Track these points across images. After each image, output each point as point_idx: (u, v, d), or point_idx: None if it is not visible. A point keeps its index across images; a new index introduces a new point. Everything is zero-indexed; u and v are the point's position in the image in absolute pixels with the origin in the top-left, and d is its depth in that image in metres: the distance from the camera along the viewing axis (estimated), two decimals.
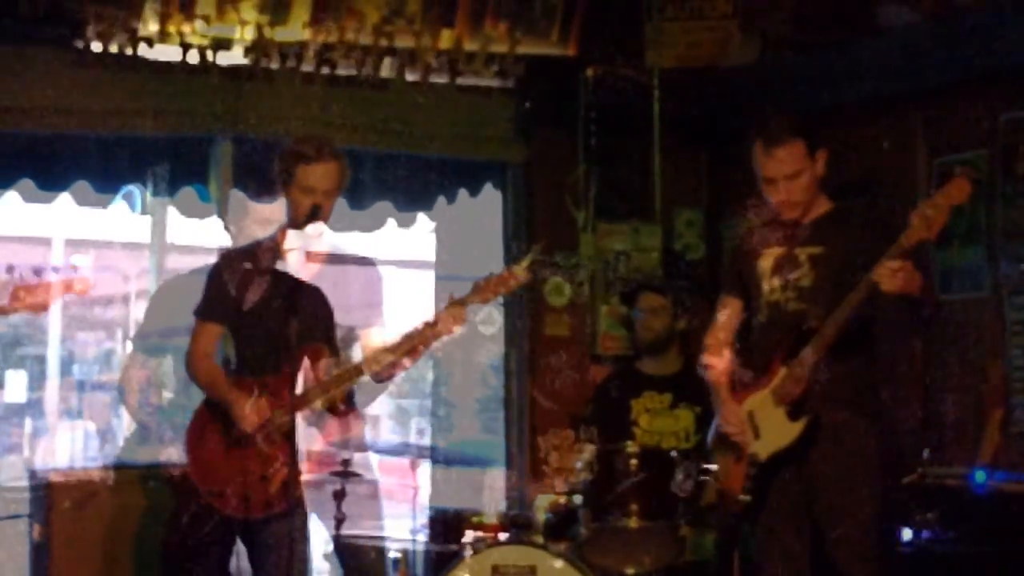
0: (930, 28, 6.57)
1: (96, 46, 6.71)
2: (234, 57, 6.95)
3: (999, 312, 6.29)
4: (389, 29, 7.17)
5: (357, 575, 5.84)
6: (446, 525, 6.13)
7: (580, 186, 7.72)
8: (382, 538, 5.44)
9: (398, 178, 7.52)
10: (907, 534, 5.95)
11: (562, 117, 7.66)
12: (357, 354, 5.59)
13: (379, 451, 6.06)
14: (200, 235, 6.36)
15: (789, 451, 5.20)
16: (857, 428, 5.19)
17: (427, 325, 5.30)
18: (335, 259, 5.62)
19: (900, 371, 6.40)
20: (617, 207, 7.81)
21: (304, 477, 5.41)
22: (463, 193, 7.80)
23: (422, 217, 7.80)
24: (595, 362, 7.70)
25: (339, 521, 5.36)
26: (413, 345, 5.32)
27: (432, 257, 7.90)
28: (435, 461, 6.55)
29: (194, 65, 6.95)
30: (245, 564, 5.32)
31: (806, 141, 5.25)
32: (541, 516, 5.96)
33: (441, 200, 7.75)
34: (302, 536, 5.24)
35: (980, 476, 5.75)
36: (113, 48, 6.74)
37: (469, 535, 5.50)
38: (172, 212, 7.27)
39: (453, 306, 5.32)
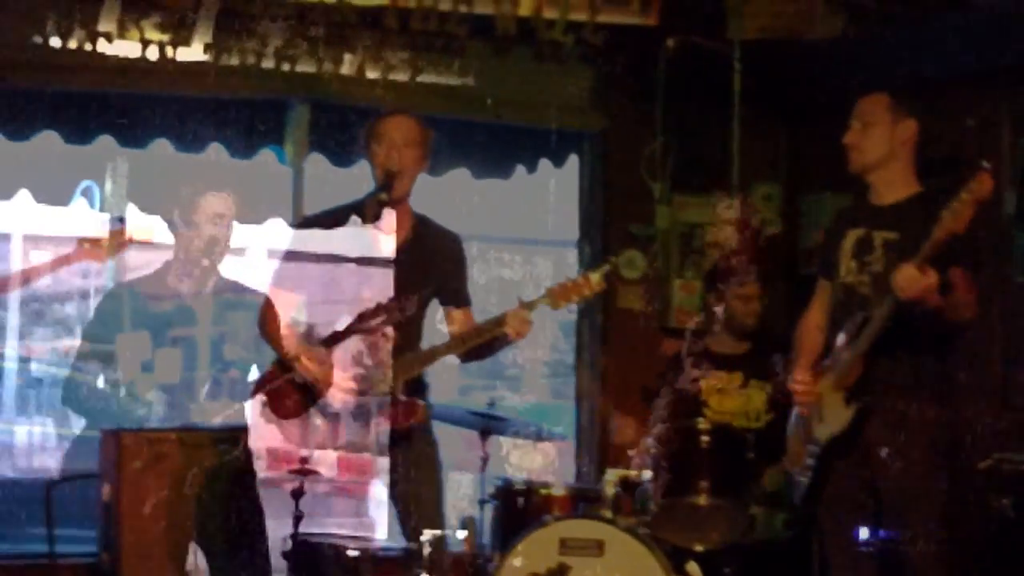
0: (1017, 3, 6.45)
1: (55, 41, 6.67)
2: (193, 53, 6.88)
3: None
4: None
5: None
6: (514, 496, 6.15)
7: (657, 157, 7.66)
8: (342, 537, 5.36)
9: (474, 145, 7.51)
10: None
11: (641, 87, 7.60)
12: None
13: (444, 419, 6.01)
14: (159, 231, 6.38)
15: (843, 436, 5.16)
16: (925, 416, 5.12)
17: (494, 323, 5.25)
18: (423, 224, 5.54)
19: (977, 354, 6.30)
20: (694, 179, 7.75)
21: (261, 475, 5.40)
22: (545, 163, 7.79)
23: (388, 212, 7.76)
24: (667, 335, 7.63)
25: (297, 519, 5.32)
26: (475, 342, 5.29)
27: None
28: (503, 432, 6.50)
29: (274, 28, 6.95)
30: (202, 563, 5.33)
31: (894, 101, 5.25)
32: (610, 490, 5.93)
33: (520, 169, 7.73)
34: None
35: None
36: (72, 44, 6.69)
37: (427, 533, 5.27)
38: (130, 209, 7.24)
39: (521, 309, 5.26)
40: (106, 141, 7.02)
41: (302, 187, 7.23)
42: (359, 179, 6.12)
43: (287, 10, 6.93)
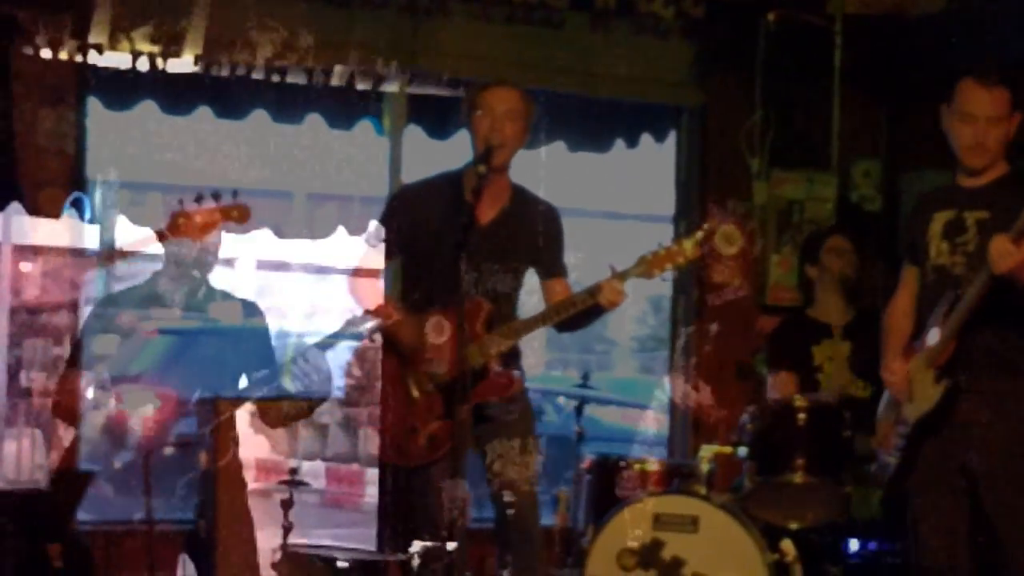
0: None
1: (46, 53, 6.63)
2: (184, 64, 6.85)
3: None
4: None
5: None
6: (608, 470, 6.14)
7: (756, 133, 7.60)
8: (331, 547, 5.36)
9: (572, 118, 7.49)
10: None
11: (741, 62, 7.55)
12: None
13: (542, 392, 6.01)
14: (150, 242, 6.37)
15: (933, 415, 5.09)
16: (1021, 394, 5.06)
17: (588, 293, 5.22)
18: (520, 195, 5.52)
19: None
20: (792, 155, 7.68)
21: (252, 486, 5.39)
22: (646, 138, 7.75)
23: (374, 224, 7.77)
24: (763, 312, 7.59)
25: (286, 530, 5.32)
26: (569, 312, 5.26)
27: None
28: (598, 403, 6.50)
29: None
30: (191, 572, 5.38)
31: (1012, 95, 5.13)
32: (704, 466, 5.91)
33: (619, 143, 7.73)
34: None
35: None
36: (63, 55, 6.65)
37: (416, 544, 5.12)
38: (120, 219, 7.23)
39: (615, 279, 5.21)
40: (204, 113, 7.07)
41: (400, 158, 7.25)
42: (456, 151, 6.11)
43: None
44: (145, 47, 6.75)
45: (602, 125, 7.66)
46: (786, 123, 7.65)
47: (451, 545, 5.02)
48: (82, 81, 6.73)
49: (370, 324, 5.24)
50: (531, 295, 5.59)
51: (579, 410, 6.31)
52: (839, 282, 6.60)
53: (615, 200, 8.20)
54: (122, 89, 6.90)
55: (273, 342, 5.91)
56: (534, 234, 5.46)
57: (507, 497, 5.28)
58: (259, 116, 7.14)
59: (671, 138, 7.85)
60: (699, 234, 5.37)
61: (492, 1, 7.08)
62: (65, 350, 6.32)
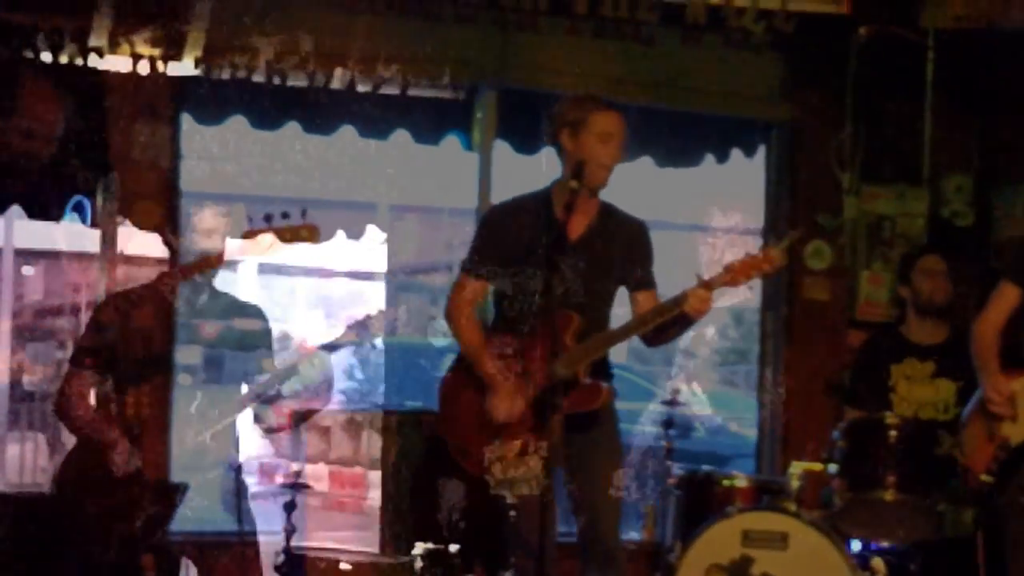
0: None
1: (46, 56, 6.63)
2: (185, 67, 6.83)
3: None
4: None
5: None
6: (696, 486, 6.12)
7: (847, 147, 7.56)
8: (334, 550, 5.35)
9: (661, 134, 7.48)
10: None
11: (832, 76, 7.51)
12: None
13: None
14: (150, 246, 6.34)
15: None
16: None
17: (673, 302, 5.17)
18: (608, 212, 5.49)
19: None
20: (883, 170, 7.63)
21: (254, 489, 5.38)
22: (736, 153, 7.75)
23: (371, 228, 7.74)
24: (853, 328, 7.53)
25: (289, 533, 5.30)
26: (656, 322, 5.22)
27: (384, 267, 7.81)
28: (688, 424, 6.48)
29: (463, 14, 7.00)
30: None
31: None
32: (794, 483, 5.87)
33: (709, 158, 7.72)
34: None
35: None
36: (63, 59, 6.65)
37: (418, 547, 5.28)
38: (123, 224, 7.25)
39: (701, 287, 5.15)
40: (292, 128, 7.12)
41: (489, 173, 7.26)
42: (542, 167, 6.11)
43: None
44: (145, 51, 6.77)
45: (692, 140, 7.65)
46: (877, 138, 7.61)
47: (453, 547, 5.05)
48: (176, 96, 6.79)
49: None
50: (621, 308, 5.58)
51: (667, 424, 6.28)
52: (928, 305, 6.52)
53: (704, 213, 8.15)
54: (214, 105, 6.96)
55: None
56: (622, 249, 5.42)
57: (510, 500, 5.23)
58: (346, 131, 7.18)
59: (761, 153, 7.83)
60: (786, 241, 5.33)
61: (582, 16, 7.08)
62: (67, 354, 6.37)
